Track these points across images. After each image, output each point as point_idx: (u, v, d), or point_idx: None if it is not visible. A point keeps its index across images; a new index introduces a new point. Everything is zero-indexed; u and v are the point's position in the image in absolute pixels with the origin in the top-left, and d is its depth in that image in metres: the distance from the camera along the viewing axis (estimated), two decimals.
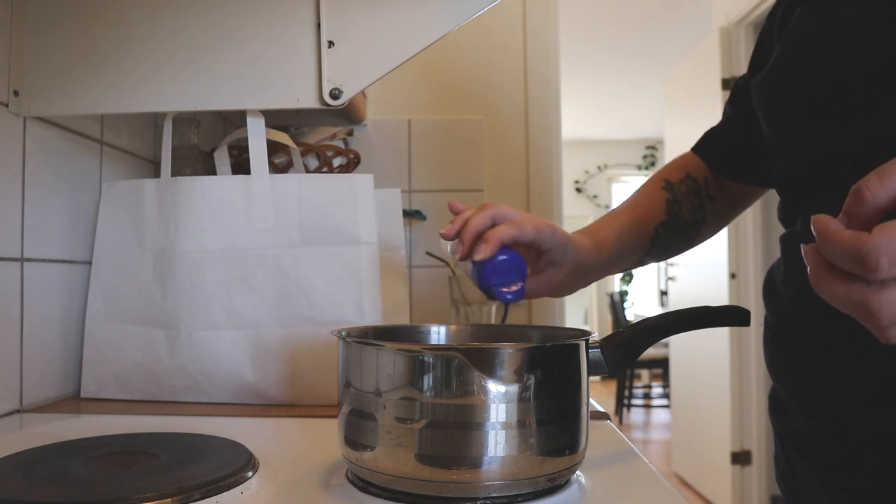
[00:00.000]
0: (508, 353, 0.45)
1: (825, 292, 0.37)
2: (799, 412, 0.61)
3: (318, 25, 0.77)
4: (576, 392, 0.49)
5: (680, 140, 3.67)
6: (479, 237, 0.63)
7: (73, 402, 0.85)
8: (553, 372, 0.47)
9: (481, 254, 0.60)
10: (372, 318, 0.83)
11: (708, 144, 0.82)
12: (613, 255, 0.75)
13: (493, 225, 0.65)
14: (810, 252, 0.37)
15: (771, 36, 0.69)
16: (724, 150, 0.80)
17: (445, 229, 0.65)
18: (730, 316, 0.61)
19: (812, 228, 0.36)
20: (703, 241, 0.84)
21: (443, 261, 1.29)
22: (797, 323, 0.60)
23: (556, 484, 0.48)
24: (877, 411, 0.52)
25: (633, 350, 0.55)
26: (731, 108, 0.80)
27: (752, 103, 0.69)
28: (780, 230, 0.69)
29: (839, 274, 0.36)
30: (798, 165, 0.59)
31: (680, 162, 0.83)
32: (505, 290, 0.62)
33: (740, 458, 3.07)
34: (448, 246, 0.69)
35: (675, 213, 0.79)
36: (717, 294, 3.10)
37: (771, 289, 0.67)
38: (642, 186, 0.83)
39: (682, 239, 0.80)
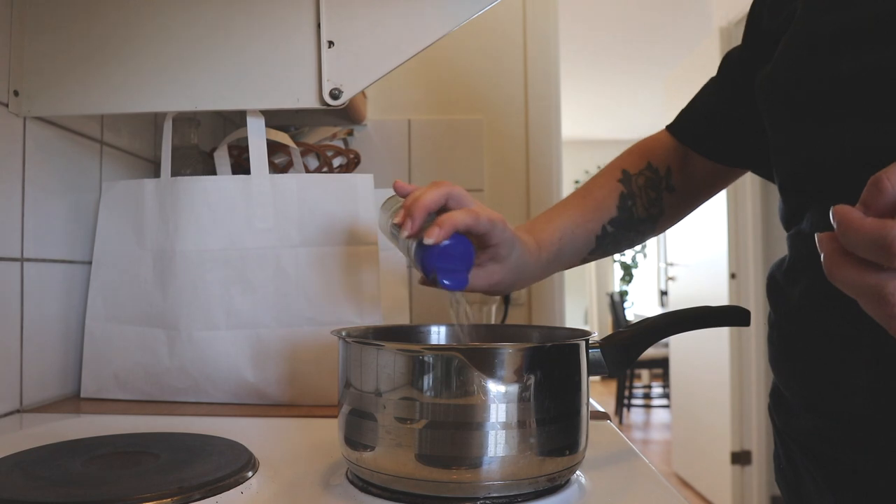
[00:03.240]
0: (508, 353, 0.45)
1: (839, 278, 0.36)
2: (804, 411, 0.61)
3: (318, 25, 0.77)
4: (576, 392, 0.49)
5: None
6: (429, 215, 0.60)
7: (73, 402, 0.85)
8: (553, 372, 0.47)
9: (433, 238, 0.57)
10: (372, 318, 0.83)
11: (686, 123, 0.79)
12: (553, 258, 0.72)
13: (446, 205, 0.62)
14: (825, 239, 0.37)
15: (763, 4, 0.68)
16: (704, 128, 0.77)
17: (398, 217, 0.60)
18: (730, 316, 0.61)
19: (831, 217, 0.36)
20: (658, 234, 0.81)
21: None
22: (806, 322, 0.60)
23: (556, 484, 0.48)
24: (885, 411, 0.52)
25: (633, 350, 0.55)
26: (715, 84, 0.77)
27: (741, 79, 0.68)
28: (780, 230, 0.68)
29: (855, 260, 0.35)
30: (805, 166, 0.59)
31: (643, 147, 0.80)
32: (447, 276, 0.59)
33: (740, 458, 3.07)
34: (385, 219, 0.65)
35: (627, 207, 0.76)
36: (717, 294, 3.10)
37: (775, 288, 0.66)
38: (598, 175, 0.79)
39: (633, 234, 0.77)
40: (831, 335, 0.56)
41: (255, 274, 0.83)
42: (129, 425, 0.69)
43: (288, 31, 0.78)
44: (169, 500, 0.44)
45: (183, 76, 0.79)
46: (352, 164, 1.29)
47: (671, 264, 3.73)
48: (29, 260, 0.80)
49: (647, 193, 0.77)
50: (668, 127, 0.81)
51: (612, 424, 0.70)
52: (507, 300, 1.44)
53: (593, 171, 7.38)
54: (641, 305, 7.33)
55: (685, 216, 0.82)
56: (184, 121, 0.98)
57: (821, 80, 0.55)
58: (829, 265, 0.37)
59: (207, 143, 1.16)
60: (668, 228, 0.81)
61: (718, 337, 3.13)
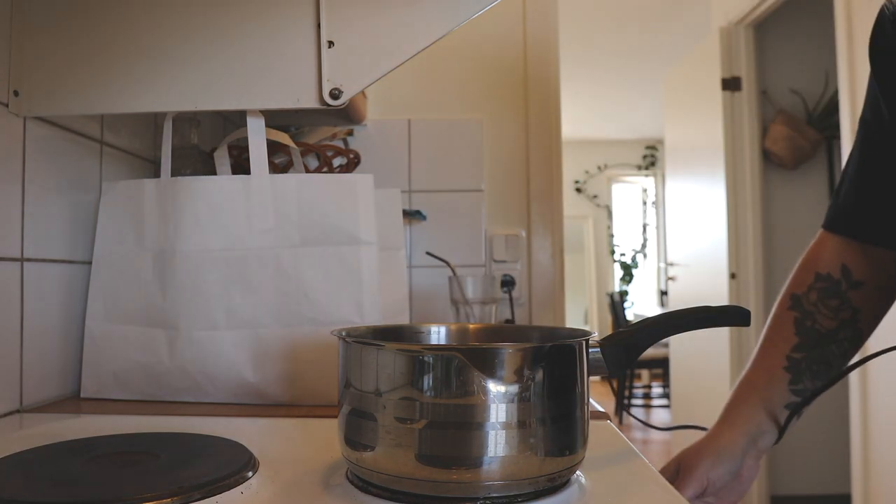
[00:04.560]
0: (508, 353, 0.45)
1: None
2: None
3: (318, 25, 0.77)
4: (576, 392, 0.49)
5: (680, 140, 3.68)
6: None
7: (73, 402, 0.85)
8: (553, 372, 0.47)
9: None
10: (372, 318, 0.83)
11: (844, 217, 0.75)
12: (761, 422, 0.74)
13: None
14: None
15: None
16: (866, 217, 0.74)
17: None
18: (730, 316, 0.61)
19: None
20: (872, 330, 0.76)
21: (443, 260, 1.29)
22: None
23: (556, 484, 0.48)
24: None
25: (633, 350, 0.55)
26: (859, 167, 0.73)
27: (890, 157, 0.65)
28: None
29: None
30: None
31: (807, 260, 0.77)
32: None
33: None
34: None
35: (807, 328, 0.74)
36: (717, 294, 3.10)
37: None
38: (771, 317, 0.77)
39: (835, 346, 0.74)
40: None
41: (255, 274, 0.83)
42: (129, 425, 0.69)
43: (288, 31, 0.78)
44: (169, 500, 0.44)
45: (183, 76, 0.79)
46: (352, 164, 1.29)
47: (671, 264, 3.73)
48: (29, 260, 0.79)
49: (825, 304, 0.74)
50: (824, 226, 0.77)
51: (612, 424, 0.70)
52: (511, 300, 1.44)
53: (593, 171, 7.38)
54: (641, 305, 7.33)
55: (893, 299, 0.77)
56: (184, 121, 0.98)
57: None
58: None
59: (207, 143, 1.16)
60: (878, 320, 0.77)
61: (718, 337, 3.13)
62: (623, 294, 6.97)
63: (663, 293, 6.23)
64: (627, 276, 7.49)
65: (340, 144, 1.45)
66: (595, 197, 7.43)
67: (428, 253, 1.36)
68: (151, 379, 0.85)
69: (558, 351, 0.48)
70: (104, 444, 0.57)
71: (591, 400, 0.54)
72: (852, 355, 0.76)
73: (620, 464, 0.57)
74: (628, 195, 7.61)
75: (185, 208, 0.84)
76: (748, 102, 3.09)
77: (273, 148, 1.06)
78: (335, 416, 0.52)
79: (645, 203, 7.57)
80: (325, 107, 0.78)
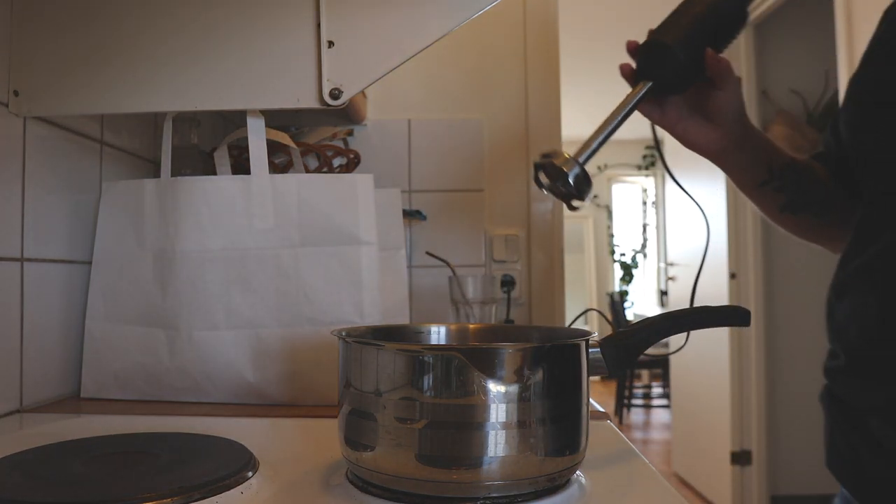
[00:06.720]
0: (508, 353, 0.45)
1: None
2: None
3: (318, 25, 0.77)
4: (576, 392, 0.49)
5: None
6: None
7: (73, 402, 0.85)
8: (553, 372, 0.47)
9: None
10: (372, 318, 0.83)
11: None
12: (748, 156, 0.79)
13: None
14: None
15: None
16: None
17: None
18: (730, 316, 0.61)
19: None
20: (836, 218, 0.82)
21: (443, 260, 1.29)
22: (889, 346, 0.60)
23: (556, 484, 0.48)
24: None
25: (633, 350, 0.55)
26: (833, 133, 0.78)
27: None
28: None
29: None
30: None
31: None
32: None
33: (740, 458, 3.07)
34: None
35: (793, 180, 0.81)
36: (717, 294, 3.10)
37: (838, 317, 0.67)
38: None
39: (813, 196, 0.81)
40: None
41: (255, 274, 0.83)
42: (129, 425, 0.69)
43: (288, 31, 0.78)
44: (169, 500, 0.44)
45: (183, 76, 0.79)
46: (352, 164, 1.29)
47: (671, 264, 3.73)
48: (29, 260, 0.79)
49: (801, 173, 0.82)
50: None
51: (612, 424, 0.70)
52: (509, 298, 1.44)
53: (593, 171, 7.36)
54: (641, 305, 7.33)
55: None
56: (184, 121, 0.98)
57: None
58: None
59: (207, 143, 1.16)
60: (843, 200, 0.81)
61: (718, 337, 3.13)
62: (623, 294, 6.97)
63: (663, 293, 6.22)
64: (627, 276, 7.50)
65: (340, 144, 1.45)
66: (595, 197, 7.42)
67: (428, 253, 1.35)
68: (151, 379, 0.85)
69: (558, 351, 0.48)
70: (104, 444, 0.57)
71: (591, 400, 0.54)
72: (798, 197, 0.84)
73: (620, 464, 0.57)
74: (628, 195, 7.61)
75: (185, 208, 0.84)
76: (748, 102, 3.08)
77: (273, 148, 1.06)
78: (335, 416, 0.52)
79: (645, 203, 7.57)
80: (325, 107, 0.78)
